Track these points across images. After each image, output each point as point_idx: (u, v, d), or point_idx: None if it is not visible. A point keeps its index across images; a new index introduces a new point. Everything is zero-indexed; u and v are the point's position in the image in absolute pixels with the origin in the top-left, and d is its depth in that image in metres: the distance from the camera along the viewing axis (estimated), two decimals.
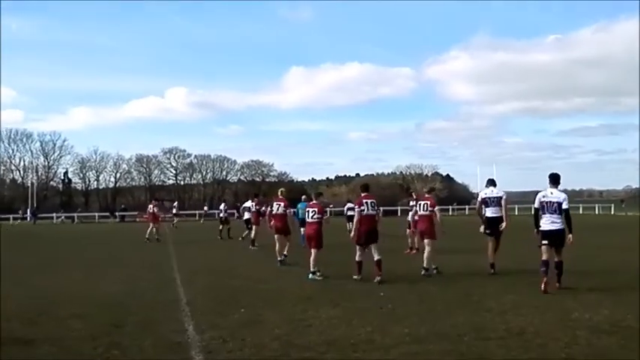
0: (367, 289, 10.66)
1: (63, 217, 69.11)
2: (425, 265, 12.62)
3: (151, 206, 28.57)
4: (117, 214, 66.66)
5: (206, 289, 10.98)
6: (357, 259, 12.09)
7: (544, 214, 10.17)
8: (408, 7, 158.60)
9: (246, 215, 24.56)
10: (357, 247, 12.12)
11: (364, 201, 12.03)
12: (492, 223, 12.54)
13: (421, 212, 13.20)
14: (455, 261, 13.40)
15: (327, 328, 7.39)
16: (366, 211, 11.97)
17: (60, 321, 8.14)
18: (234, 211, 36.56)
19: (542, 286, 9.73)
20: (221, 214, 29.03)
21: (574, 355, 6.03)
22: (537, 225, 10.28)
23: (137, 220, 65.06)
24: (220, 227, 27.76)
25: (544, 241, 10.17)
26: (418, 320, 7.72)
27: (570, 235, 10.02)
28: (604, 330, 7.03)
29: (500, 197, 12.65)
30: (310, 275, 12.42)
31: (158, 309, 8.98)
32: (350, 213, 28.83)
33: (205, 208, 62.90)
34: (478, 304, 8.96)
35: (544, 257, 10.08)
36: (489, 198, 12.68)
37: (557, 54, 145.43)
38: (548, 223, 10.12)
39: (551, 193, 10.17)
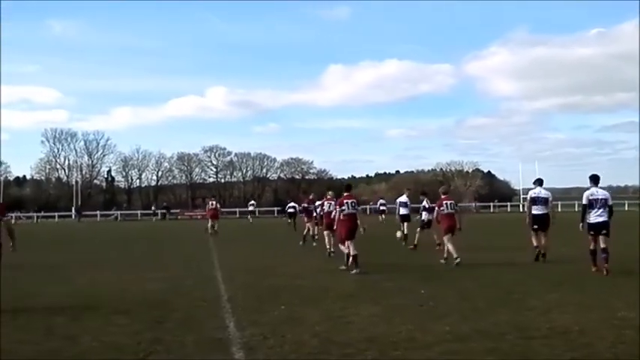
0: (406, 286, 10.60)
1: (116, 214, 70.31)
2: (456, 255, 13.32)
3: (214, 202, 29.67)
4: (170, 211, 67.16)
5: (246, 286, 11.05)
6: (346, 251, 13.16)
7: (592, 209, 11.65)
8: (446, 4, 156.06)
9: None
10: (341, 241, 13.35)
11: (345, 201, 13.22)
12: (539, 220, 13.91)
13: (449, 210, 14.13)
14: (496, 258, 13.25)
15: (368, 326, 7.36)
16: (347, 210, 13.06)
17: (103, 317, 8.29)
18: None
19: (594, 268, 11.48)
20: (289, 210, 30.62)
21: (620, 354, 5.89)
22: (583, 219, 11.79)
23: (178, 217, 66.05)
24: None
25: (592, 232, 11.62)
26: (459, 318, 7.64)
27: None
28: None
29: (548, 198, 14.12)
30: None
31: (200, 306, 9.09)
32: (382, 208, 32.67)
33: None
34: (520, 302, 8.83)
35: (592, 247, 11.66)
36: (537, 197, 14.12)
37: (599, 48, 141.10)
38: (597, 216, 11.61)
39: (597, 192, 11.72)
